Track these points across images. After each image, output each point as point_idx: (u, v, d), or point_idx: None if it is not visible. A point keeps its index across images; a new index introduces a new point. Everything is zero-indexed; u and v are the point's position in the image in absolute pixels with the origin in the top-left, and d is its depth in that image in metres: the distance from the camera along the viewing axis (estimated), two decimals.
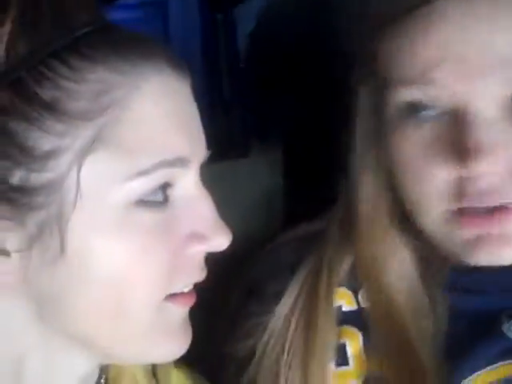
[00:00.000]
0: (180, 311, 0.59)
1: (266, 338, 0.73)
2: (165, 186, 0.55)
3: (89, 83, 0.52)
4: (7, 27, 0.51)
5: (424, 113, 0.65)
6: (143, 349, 0.58)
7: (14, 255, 0.52)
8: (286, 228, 1.00)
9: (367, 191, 0.73)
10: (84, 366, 0.60)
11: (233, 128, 1.06)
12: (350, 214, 0.74)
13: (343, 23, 0.74)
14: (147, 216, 0.54)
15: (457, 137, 0.63)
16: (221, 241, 0.58)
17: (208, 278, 0.60)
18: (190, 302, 0.59)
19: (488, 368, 0.67)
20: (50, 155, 0.51)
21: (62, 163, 0.52)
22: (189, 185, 0.57)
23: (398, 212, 0.71)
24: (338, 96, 0.73)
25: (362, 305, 0.73)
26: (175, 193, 0.57)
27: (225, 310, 0.79)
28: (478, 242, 0.64)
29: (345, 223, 0.75)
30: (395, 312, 0.70)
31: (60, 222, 0.52)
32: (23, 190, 0.51)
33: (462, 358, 0.67)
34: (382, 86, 0.68)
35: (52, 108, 0.51)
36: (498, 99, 0.62)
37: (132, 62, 0.54)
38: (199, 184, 0.58)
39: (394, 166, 0.68)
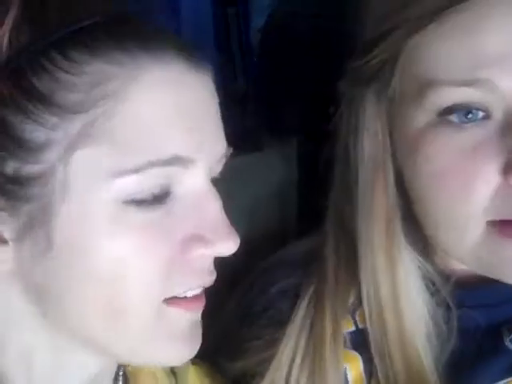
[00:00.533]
0: (185, 316, 0.56)
1: (270, 373, 0.70)
2: (163, 186, 0.53)
3: (85, 75, 0.51)
4: (11, 15, 0.50)
5: (470, 116, 0.60)
6: (144, 351, 0.56)
7: (10, 244, 0.52)
8: (299, 221, 0.99)
9: (376, 218, 0.67)
10: (94, 362, 0.59)
11: (247, 122, 1.05)
12: (346, 238, 0.71)
13: (357, 23, 0.70)
14: (142, 215, 0.52)
15: (510, 141, 0.58)
16: (225, 246, 0.55)
17: (222, 271, 0.58)
18: (195, 307, 0.57)
19: None
20: (42, 148, 0.51)
21: (52, 156, 0.51)
22: (193, 185, 0.55)
23: (405, 235, 0.68)
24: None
25: (360, 326, 0.71)
26: (177, 192, 0.54)
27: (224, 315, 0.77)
28: None
29: (341, 246, 0.71)
30: (405, 337, 0.67)
31: (47, 215, 0.51)
32: (16, 181, 0.51)
33: (469, 377, 0.66)
34: (404, 92, 0.63)
35: (47, 100, 0.50)
36: None
37: (133, 53, 0.52)
38: (206, 185, 0.55)
39: (422, 181, 0.63)
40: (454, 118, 0.60)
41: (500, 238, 0.60)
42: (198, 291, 0.56)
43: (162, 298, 0.54)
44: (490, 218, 0.60)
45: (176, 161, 0.53)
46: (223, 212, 0.56)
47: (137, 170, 0.51)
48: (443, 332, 0.67)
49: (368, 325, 0.69)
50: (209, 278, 0.57)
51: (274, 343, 0.71)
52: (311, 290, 0.71)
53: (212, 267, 0.57)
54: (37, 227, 0.52)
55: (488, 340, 0.67)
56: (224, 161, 0.58)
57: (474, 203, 0.60)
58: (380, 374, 0.67)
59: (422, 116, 0.62)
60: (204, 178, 0.55)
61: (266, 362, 0.70)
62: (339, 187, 0.72)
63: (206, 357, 0.66)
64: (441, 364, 0.67)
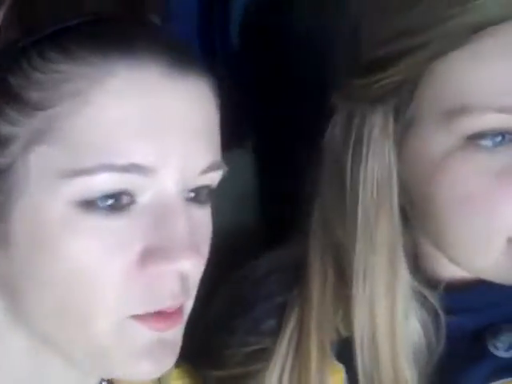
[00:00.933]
0: (149, 333, 0.54)
1: None
2: (122, 193, 0.52)
3: (53, 73, 0.51)
4: (2, 11, 0.50)
5: (500, 140, 0.59)
6: (106, 364, 0.55)
7: None
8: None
9: (379, 247, 0.66)
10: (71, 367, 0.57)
11: (227, 117, 1.04)
12: (334, 261, 0.69)
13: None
14: (98, 222, 0.51)
15: None
16: (186, 262, 0.53)
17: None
18: (161, 326, 0.54)
19: None
20: (6, 142, 0.51)
21: (14, 151, 0.51)
22: (158, 196, 0.53)
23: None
24: (324, 96, 0.67)
25: (343, 334, 0.70)
26: (142, 202, 0.53)
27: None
28: None
29: (327, 269, 0.69)
30: (398, 362, 0.66)
31: (8, 209, 0.52)
32: None
33: (454, 382, 0.66)
34: (425, 115, 0.62)
35: (17, 98, 0.51)
36: None
37: (108, 56, 0.51)
38: (173, 197, 0.53)
39: (443, 204, 0.62)
40: (484, 142, 0.59)
41: None
42: (163, 307, 0.54)
43: (124, 314, 0.53)
44: None
45: (133, 168, 0.51)
46: (187, 227, 0.53)
47: (86, 172, 0.50)
48: (432, 342, 0.67)
49: (358, 352, 0.67)
50: (173, 295, 0.54)
51: (257, 357, 0.69)
52: (296, 312, 0.70)
53: (178, 284, 0.54)
54: (0, 221, 0.52)
55: (473, 344, 0.67)
56: (213, 173, 0.56)
57: (503, 225, 0.60)
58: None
59: (447, 140, 0.61)
60: (170, 189, 0.53)
61: (250, 377, 0.69)
62: (329, 206, 0.70)
63: (185, 362, 0.65)
64: (427, 372, 0.66)
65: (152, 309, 0.53)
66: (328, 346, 0.68)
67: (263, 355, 0.69)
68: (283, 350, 0.68)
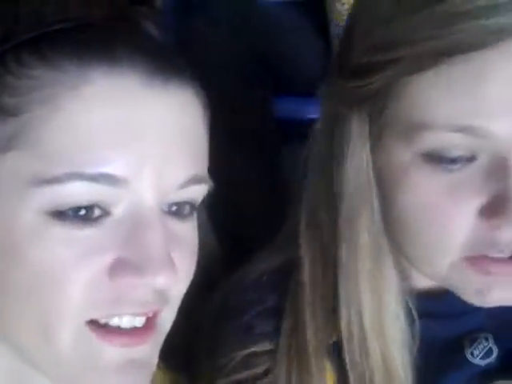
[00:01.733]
0: (116, 350, 0.53)
1: None
2: (93, 205, 0.51)
3: (28, 79, 0.50)
4: None
5: (455, 158, 0.60)
6: (71, 379, 0.54)
7: None
8: None
9: (361, 247, 0.66)
10: None
11: None
12: (324, 266, 0.69)
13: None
14: (67, 231, 0.50)
15: (496, 187, 0.59)
16: (157, 278, 0.51)
17: None
18: (126, 340, 0.53)
19: None
20: None
21: None
22: (132, 208, 0.52)
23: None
24: None
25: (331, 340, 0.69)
26: (117, 214, 0.52)
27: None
28: (492, 285, 0.62)
29: (317, 273, 0.69)
30: (389, 363, 0.66)
31: None
32: None
33: None
34: (392, 125, 0.63)
35: None
36: None
37: (84, 63, 0.51)
38: (148, 209, 0.52)
39: (404, 212, 0.63)
40: (440, 159, 0.60)
41: (471, 270, 0.62)
42: (136, 323, 0.53)
43: (82, 320, 0.52)
44: (465, 254, 0.62)
45: (103, 178, 0.50)
46: (161, 242, 0.52)
47: (56, 181, 0.50)
48: (410, 343, 0.67)
49: (347, 354, 0.67)
50: (142, 309, 0.53)
51: (254, 361, 0.69)
52: (291, 314, 0.69)
53: (150, 294, 0.53)
54: None
55: (452, 352, 0.68)
56: (194, 187, 0.55)
57: (452, 240, 0.61)
58: None
59: (405, 153, 0.62)
60: (147, 201, 0.52)
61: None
62: (317, 204, 0.70)
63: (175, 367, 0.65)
64: (409, 377, 0.67)
65: (120, 314, 0.52)
66: (324, 347, 0.68)
67: (260, 359, 0.69)
68: (284, 352, 0.68)
